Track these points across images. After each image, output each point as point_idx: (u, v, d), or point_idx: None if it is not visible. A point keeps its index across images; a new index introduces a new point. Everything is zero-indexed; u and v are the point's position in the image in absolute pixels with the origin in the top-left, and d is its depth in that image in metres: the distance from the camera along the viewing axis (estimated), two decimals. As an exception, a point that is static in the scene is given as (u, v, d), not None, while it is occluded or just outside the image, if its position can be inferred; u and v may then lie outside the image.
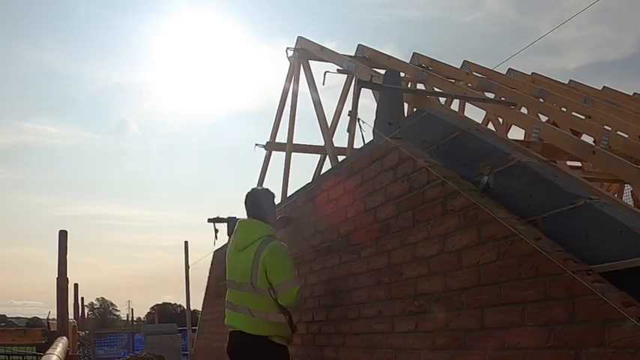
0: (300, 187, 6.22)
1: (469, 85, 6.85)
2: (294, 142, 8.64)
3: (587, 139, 5.05)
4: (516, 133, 6.78)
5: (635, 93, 8.18)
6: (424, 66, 7.56)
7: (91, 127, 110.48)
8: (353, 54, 7.78)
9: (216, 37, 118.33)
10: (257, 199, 4.35)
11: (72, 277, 6.66)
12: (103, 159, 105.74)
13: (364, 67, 6.38)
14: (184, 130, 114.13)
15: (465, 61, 8.04)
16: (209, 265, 10.65)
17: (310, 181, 6.29)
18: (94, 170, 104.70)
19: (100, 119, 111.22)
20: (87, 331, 17.20)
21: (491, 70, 7.44)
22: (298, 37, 8.32)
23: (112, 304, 71.07)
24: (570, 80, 8.17)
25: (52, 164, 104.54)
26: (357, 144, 6.23)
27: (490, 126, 7.09)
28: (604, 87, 8.14)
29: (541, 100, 6.45)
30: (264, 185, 9.22)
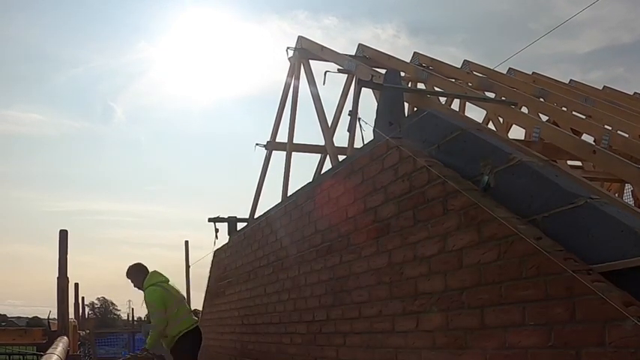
0: (300, 186, 6.23)
1: (470, 84, 6.84)
2: (294, 141, 8.63)
3: (587, 138, 5.05)
4: (517, 133, 6.77)
5: (635, 92, 8.19)
6: (424, 65, 7.55)
7: (79, 115, 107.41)
8: (354, 49, 7.79)
9: (207, 20, 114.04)
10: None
11: (72, 276, 6.67)
12: (93, 149, 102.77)
13: (364, 67, 6.37)
14: (176, 117, 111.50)
15: (465, 60, 8.05)
16: (209, 264, 10.66)
17: (310, 180, 6.30)
18: (83, 161, 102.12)
19: (87, 106, 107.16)
20: (87, 331, 17.19)
21: (492, 70, 7.43)
22: (299, 36, 8.30)
23: (113, 303, 70.99)
24: (571, 80, 8.19)
25: (39, 155, 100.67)
26: (358, 143, 6.22)
27: (491, 125, 7.08)
28: (604, 86, 8.15)
29: (541, 99, 6.44)
30: (264, 186, 9.29)
